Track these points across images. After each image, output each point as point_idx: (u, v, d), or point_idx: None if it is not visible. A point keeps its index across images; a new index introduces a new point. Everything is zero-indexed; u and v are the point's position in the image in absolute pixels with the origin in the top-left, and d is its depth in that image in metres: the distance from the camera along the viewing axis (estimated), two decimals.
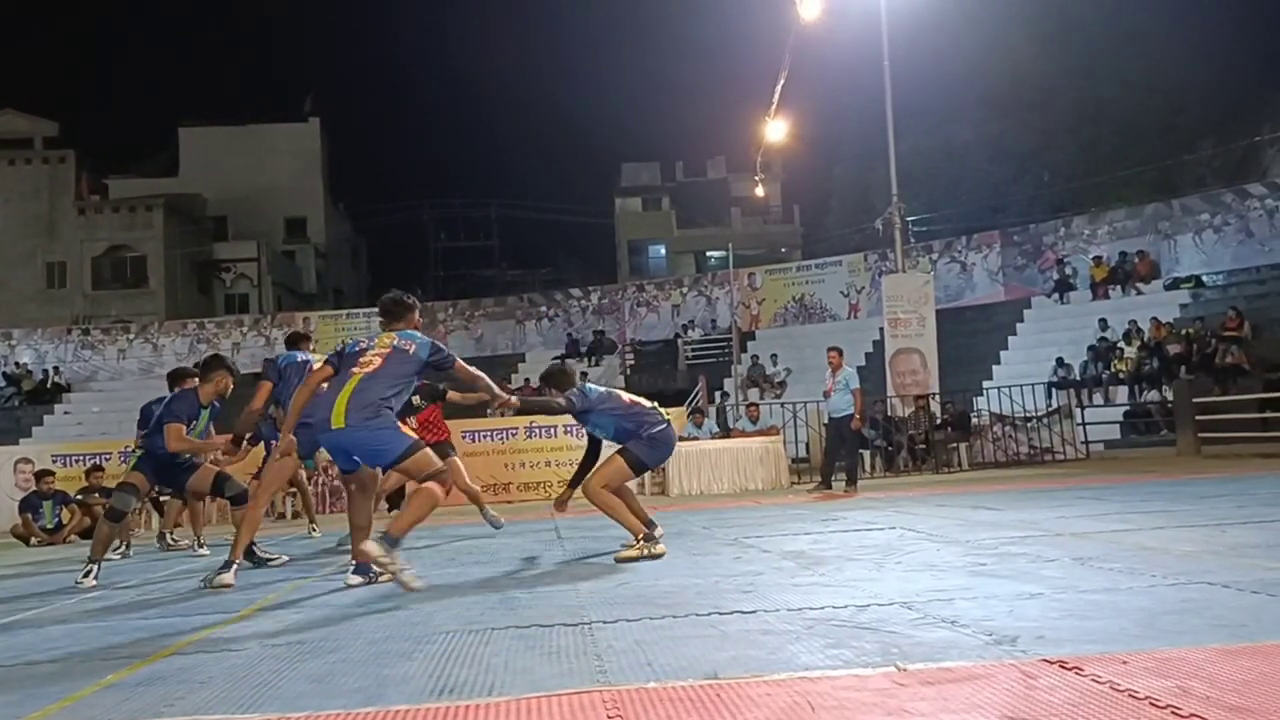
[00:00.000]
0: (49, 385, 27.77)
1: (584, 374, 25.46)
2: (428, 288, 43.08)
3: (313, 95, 44.81)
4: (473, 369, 5.23)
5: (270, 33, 73.15)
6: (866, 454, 14.15)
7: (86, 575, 6.01)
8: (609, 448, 5.83)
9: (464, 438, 14.15)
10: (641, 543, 5.50)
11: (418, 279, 45.51)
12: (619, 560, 5.37)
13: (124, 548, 8.56)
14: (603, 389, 5.90)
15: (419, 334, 5.04)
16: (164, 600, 5.14)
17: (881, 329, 17.89)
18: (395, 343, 4.89)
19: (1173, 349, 17.74)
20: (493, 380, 5.67)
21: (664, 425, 5.76)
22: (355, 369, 4.77)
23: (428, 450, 4.89)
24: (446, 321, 28.52)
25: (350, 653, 3.25)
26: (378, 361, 4.79)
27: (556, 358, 26.89)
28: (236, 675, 3.02)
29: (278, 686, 2.82)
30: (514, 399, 5.79)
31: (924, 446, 14.79)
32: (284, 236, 43.21)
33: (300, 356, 6.58)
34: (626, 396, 5.87)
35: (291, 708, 2.55)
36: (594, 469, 5.78)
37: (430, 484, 4.67)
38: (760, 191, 34.79)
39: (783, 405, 15.53)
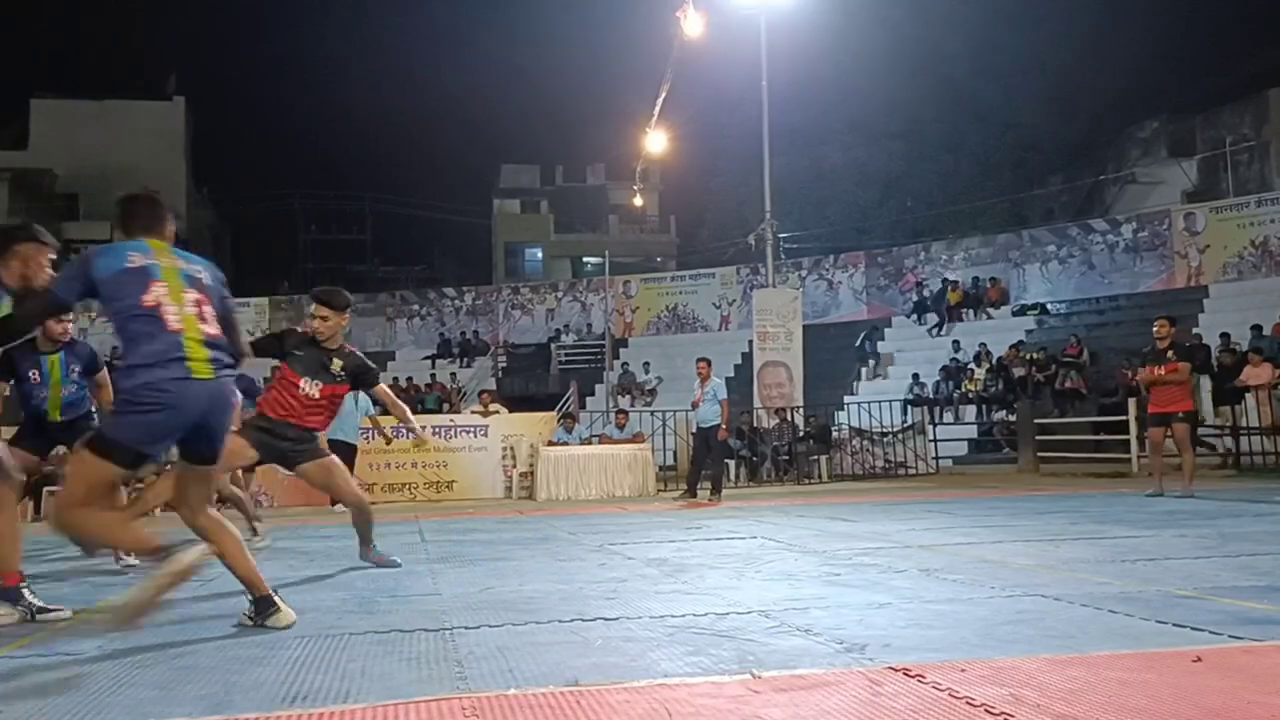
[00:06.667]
0: None
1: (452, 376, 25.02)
2: (296, 280, 41.57)
3: (178, 73, 42.73)
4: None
5: (136, 3, 69.29)
6: (732, 464, 14.46)
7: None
8: None
9: None
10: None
11: (286, 270, 43.84)
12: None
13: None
14: (133, 264, 3.30)
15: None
16: None
17: (751, 341, 18.32)
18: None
19: (1018, 372, 18.77)
20: None
21: (152, 366, 3.21)
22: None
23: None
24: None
25: (197, 658, 3.12)
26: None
27: (427, 357, 26.44)
28: (72, 682, 2.85)
29: (116, 694, 2.68)
30: None
31: (787, 458, 15.20)
32: None
33: None
34: (152, 295, 3.28)
35: (131, 716, 2.43)
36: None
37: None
38: (638, 200, 35.28)
39: (652, 413, 15.70)
